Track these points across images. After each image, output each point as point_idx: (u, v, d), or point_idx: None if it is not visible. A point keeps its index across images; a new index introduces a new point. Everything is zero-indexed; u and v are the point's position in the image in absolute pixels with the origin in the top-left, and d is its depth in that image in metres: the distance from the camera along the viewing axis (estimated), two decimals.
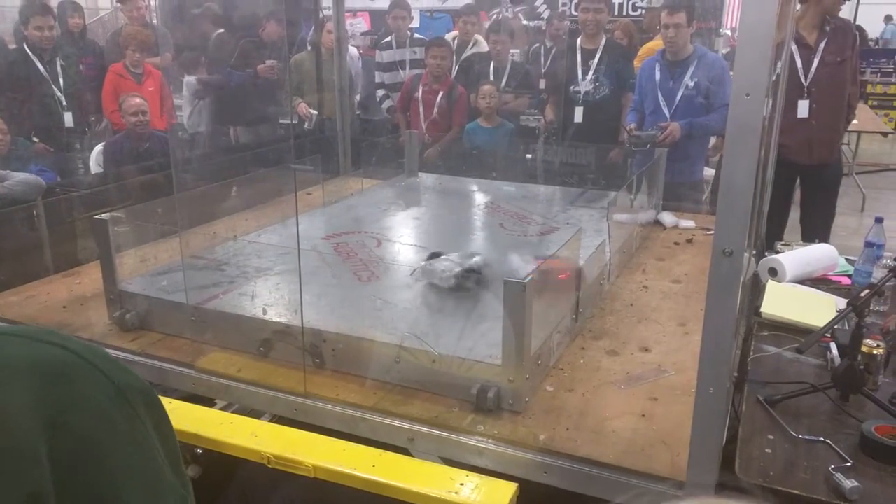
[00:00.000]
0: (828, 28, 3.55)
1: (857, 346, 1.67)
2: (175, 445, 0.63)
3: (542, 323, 1.72)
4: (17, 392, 0.52)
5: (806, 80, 3.59)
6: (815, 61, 3.57)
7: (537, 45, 5.33)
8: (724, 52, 6.64)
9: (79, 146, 4.42)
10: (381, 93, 5.15)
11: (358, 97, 5.27)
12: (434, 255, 2.30)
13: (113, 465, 0.55)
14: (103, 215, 2.07)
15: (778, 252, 2.58)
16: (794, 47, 3.61)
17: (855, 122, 6.31)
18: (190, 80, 4.92)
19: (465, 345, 1.79)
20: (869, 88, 9.87)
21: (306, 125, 4.67)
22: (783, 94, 3.00)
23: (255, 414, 1.93)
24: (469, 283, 2.14)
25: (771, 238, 2.96)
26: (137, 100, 3.84)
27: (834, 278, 2.43)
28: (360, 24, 7.76)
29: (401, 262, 2.51)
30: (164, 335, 2.04)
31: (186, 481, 0.63)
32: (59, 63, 4.26)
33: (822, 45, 3.55)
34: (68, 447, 0.53)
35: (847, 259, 2.53)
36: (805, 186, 3.82)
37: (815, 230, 3.70)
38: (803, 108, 3.60)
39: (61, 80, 4.27)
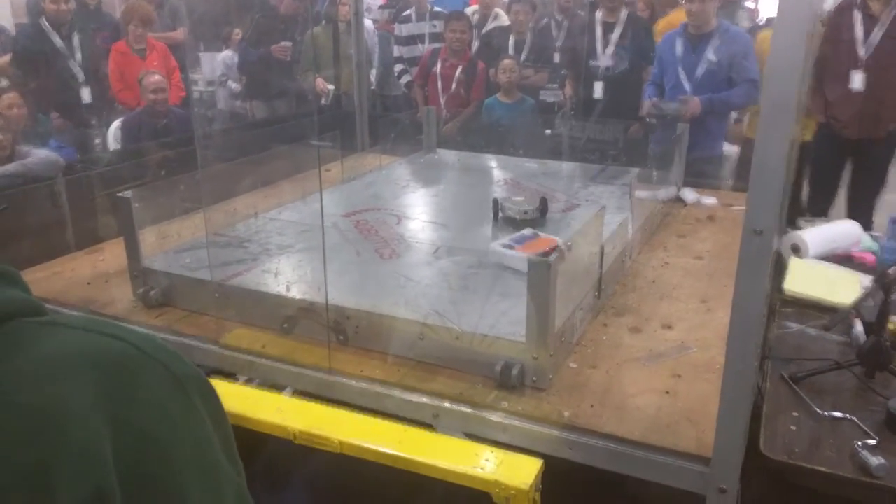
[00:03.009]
0: None
1: (884, 323, 1.66)
2: (229, 432, 0.62)
3: (566, 300, 1.72)
4: (81, 387, 0.52)
5: (864, 51, 3.46)
6: (879, 33, 3.44)
7: (547, 19, 5.25)
8: (745, 25, 6.50)
9: (96, 122, 4.43)
10: (399, 67, 5.11)
11: (374, 72, 5.24)
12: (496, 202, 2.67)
13: (174, 459, 0.55)
14: (126, 193, 2.08)
15: (800, 228, 2.55)
16: (857, 15, 3.48)
17: None
18: (226, 55, 4.87)
19: (487, 322, 1.79)
20: None
21: (322, 100, 4.65)
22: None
23: (275, 389, 1.95)
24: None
25: (817, 214, 2.91)
26: (157, 77, 3.84)
27: (857, 255, 2.40)
28: None
29: (421, 240, 2.51)
30: (189, 312, 2.06)
31: (240, 468, 0.63)
32: (76, 37, 4.25)
33: (889, 18, 3.42)
34: (131, 442, 0.52)
35: (871, 235, 2.50)
36: (854, 161, 3.74)
37: (860, 206, 3.64)
38: (857, 79, 3.47)
39: (78, 55, 4.26)
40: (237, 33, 5.03)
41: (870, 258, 2.39)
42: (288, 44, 4.62)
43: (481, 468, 1.37)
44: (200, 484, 0.56)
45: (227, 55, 4.93)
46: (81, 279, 2.33)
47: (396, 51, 5.14)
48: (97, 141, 4.28)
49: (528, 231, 2.37)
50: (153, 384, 0.56)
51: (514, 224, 2.53)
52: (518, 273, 2.12)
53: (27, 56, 4.28)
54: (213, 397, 0.61)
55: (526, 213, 2.58)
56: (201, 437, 0.58)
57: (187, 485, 0.55)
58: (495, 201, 2.66)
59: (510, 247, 2.23)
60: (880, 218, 2.95)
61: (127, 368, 0.55)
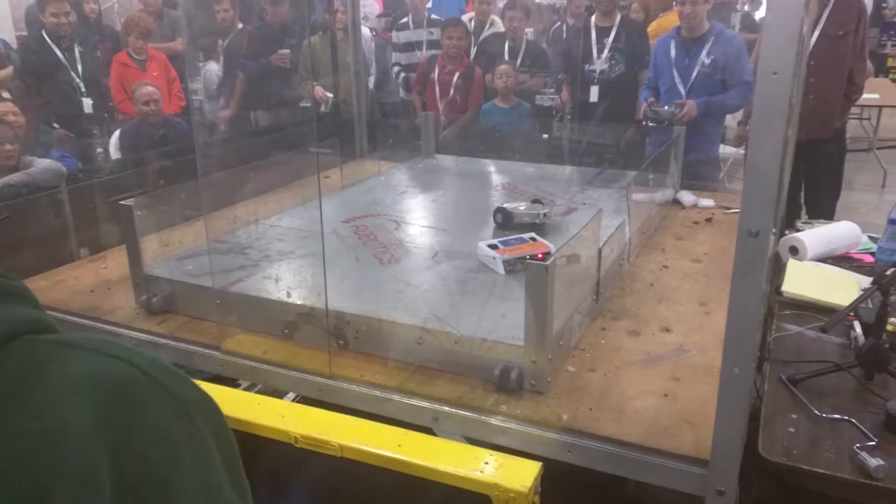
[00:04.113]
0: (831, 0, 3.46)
1: (882, 325, 1.67)
2: (234, 454, 0.62)
3: (564, 304, 1.73)
4: (82, 410, 0.51)
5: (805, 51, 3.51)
6: (815, 34, 3.48)
7: (559, 23, 5.26)
8: (740, 27, 6.51)
9: (97, 132, 4.46)
10: (396, 68, 5.14)
11: (372, 79, 5.26)
12: (500, 210, 2.68)
13: (174, 485, 0.54)
14: (128, 201, 2.10)
15: (799, 230, 2.56)
16: None
17: (875, 96, 6.21)
18: (210, 67, 4.91)
19: (486, 326, 1.80)
20: (890, 62, 9.70)
21: (322, 108, 4.67)
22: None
23: (277, 394, 1.96)
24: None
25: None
26: (149, 88, 3.87)
27: (857, 256, 2.41)
28: (371, 6, 7.70)
29: (420, 245, 2.53)
30: (190, 318, 2.07)
31: (245, 490, 0.62)
32: (76, 49, 4.28)
33: (823, 17, 3.46)
34: (130, 469, 0.51)
35: (870, 236, 2.51)
36: (806, 163, 3.76)
37: (820, 208, 3.66)
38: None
39: (79, 67, 4.29)
40: (220, 45, 5.04)
41: (868, 259, 2.39)
42: (286, 51, 4.63)
43: (481, 471, 1.37)
44: None
45: (214, 68, 4.93)
46: (84, 287, 2.34)
47: (394, 57, 5.18)
48: (99, 150, 4.31)
49: (526, 235, 2.38)
50: (156, 409, 0.55)
51: (523, 229, 2.53)
52: (495, 273, 2.18)
53: (29, 69, 4.31)
54: (218, 419, 0.60)
55: (545, 216, 2.61)
56: (203, 462, 0.57)
57: None
58: (502, 209, 2.66)
59: (494, 247, 2.25)
60: (857, 218, 2.94)
61: (130, 393, 0.54)
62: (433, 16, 5.26)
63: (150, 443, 0.53)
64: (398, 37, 5.17)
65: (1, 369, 0.51)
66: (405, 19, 5.18)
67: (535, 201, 2.72)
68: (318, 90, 4.69)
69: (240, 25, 4.95)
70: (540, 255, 2.09)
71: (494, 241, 2.30)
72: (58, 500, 0.48)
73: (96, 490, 0.49)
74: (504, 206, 2.65)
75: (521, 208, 2.64)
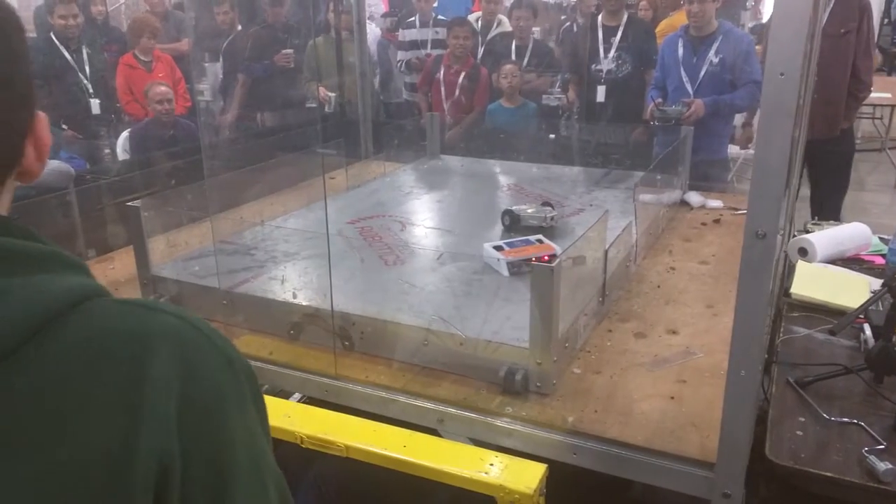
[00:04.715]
0: None
1: (892, 327, 1.65)
2: (268, 424, 0.65)
3: (569, 305, 1.73)
4: (154, 360, 0.56)
5: None
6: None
7: (569, 22, 5.23)
8: (749, 25, 6.50)
9: (105, 133, 4.47)
10: (401, 63, 5.15)
11: (377, 79, 5.26)
12: (507, 212, 2.66)
13: (226, 438, 0.58)
14: (135, 202, 2.11)
15: (808, 231, 2.54)
16: None
17: (887, 95, 6.16)
18: (216, 67, 4.91)
19: (491, 328, 1.80)
20: None
21: (326, 108, 4.66)
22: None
23: (283, 395, 1.97)
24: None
25: None
26: (163, 88, 3.88)
27: (867, 258, 2.39)
28: (377, 5, 7.70)
29: (425, 246, 2.52)
30: None
31: (273, 460, 0.65)
32: (84, 51, 4.30)
33: (824, 16, 3.43)
34: (191, 416, 0.56)
35: (880, 238, 2.48)
36: (812, 163, 3.73)
37: (825, 208, 3.63)
38: None
39: (87, 68, 4.31)
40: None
41: (879, 261, 2.37)
42: (290, 51, 4.62)
43: (486, 473, 1.37)
44: (248, 466, 0.59)
45: (217, 68, 4.93)
46: None
47: (399, 55, 5.18)
48: (106, 151, 4.32)
49: (532, 237, 2.37)
50: (209, 362, 0.59)
51: (530, 232, 2.52)
52: (501, 275, 2.18)
53: (38, 70, 4.33)
54: (257, 387, 0.65)
55: (553, 219, 2.59)
56: (249, 421, 0.61)
57: (236, 465, 0.58)
58: (510, 212, 2.64)
59: (499, 248, 2.25)
60: (868, 219, 2.90)
61: (189, 346, 0.59)
62: (439, 17, 5.25)
63: (206, 394, 0.58)
64: (404, 35, 5.17)
65: (79, 325, 0.56)
66: (412, 19, 5.18)
67: (545, 204, 2.71)
68: (321, 91, 4.68)
69: (239, 27, 4.94)
70: (545, 258, 2.08)
71: (500, 243, 2.30)
72: (139, 443, 0.53)
73: (167, 429, 0.54)
74: (512, 208, 2.64)
75: (529, 211, 2.63)
